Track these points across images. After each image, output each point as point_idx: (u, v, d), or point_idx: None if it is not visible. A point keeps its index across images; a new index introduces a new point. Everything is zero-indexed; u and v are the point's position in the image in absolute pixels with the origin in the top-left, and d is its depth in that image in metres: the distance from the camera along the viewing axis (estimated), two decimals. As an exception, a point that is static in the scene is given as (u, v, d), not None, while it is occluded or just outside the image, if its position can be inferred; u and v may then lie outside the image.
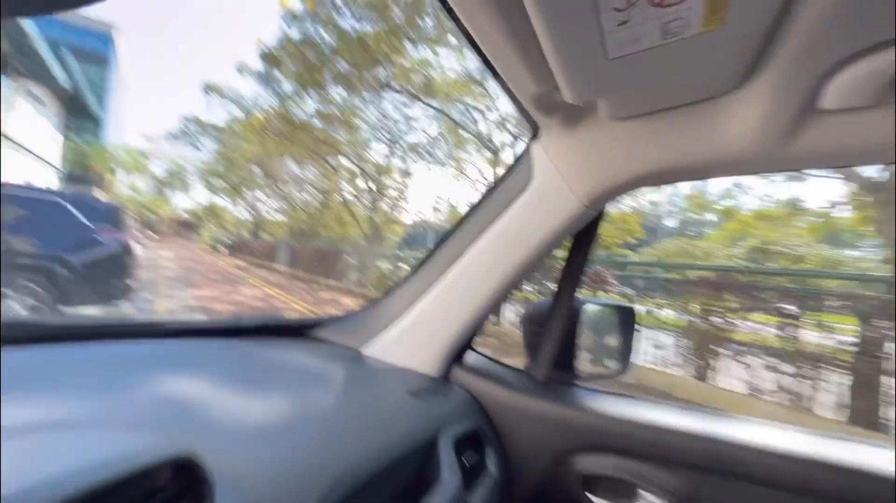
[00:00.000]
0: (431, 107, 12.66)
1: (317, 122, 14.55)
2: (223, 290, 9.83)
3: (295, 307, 8.65)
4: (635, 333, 0.90)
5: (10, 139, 14.73)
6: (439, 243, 0.85)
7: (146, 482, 0.32)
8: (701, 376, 4.85)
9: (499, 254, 0.77)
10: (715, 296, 4.89)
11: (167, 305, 6.79)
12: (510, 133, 11.58)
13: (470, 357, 0.91)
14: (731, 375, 4.62)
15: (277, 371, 0.68)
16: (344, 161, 18.15)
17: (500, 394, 0.80)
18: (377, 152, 17.59)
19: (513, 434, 0.78)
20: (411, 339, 0.85)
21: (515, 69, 0.55)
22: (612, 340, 0.89)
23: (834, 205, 8.37)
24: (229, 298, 8.69)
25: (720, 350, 4.77)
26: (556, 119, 0.64)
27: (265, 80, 11.46)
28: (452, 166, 16.05)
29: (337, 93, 12.89)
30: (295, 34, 9.33)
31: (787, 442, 0.63)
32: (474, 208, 0.82)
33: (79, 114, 24.60)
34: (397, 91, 11.59)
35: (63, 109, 21.67)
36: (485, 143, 11.81)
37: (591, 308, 0.86)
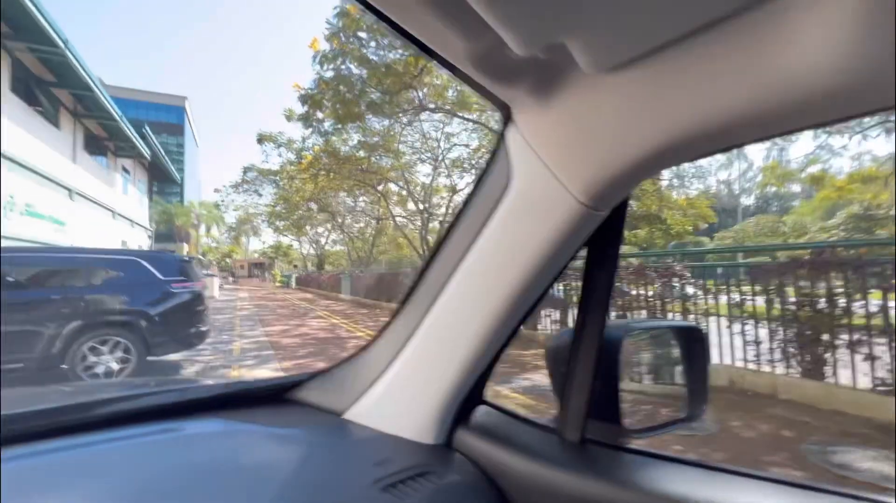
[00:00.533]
0: (467, 119, 12.65)
1: (361, 153, 15.11)
2: (291, 324, 10.32)
3: (358, 334, 8.83)
4: (707, 362, 0.67)
5: (107, 207, 16.91)
6: (420, 275, 0.69)
7: None
8: (811, 373, 4.13)
9: (489, 280, 0.60)
10: (813, 276, 4.19)
11: (241, 345, 7.21)
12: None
13: (481, 413, 0.72)
14: (850, 368, 3.88)
15: (225, 470, 0.55)
16: (392, 186, 18.67)
17: (517, 464, 0.60)
18: (422, 173, 17.86)
19: None
20: (398, 398, 0.69)
21: (440, 31, 0.39)
22: (674, 375, 0.67)
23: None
24: (297, 331, 9.08)
25: (831, 339, 4.05)
26: (523, 88, 0.47)
27: (308, 121, 12.11)
28: (497, 175, 15.87)
29: (376, 121, 13.32)
30: (328, 73, 9.77)
31: None
32: (454, 225, 0.64)
33: (160, 178, 27.77)
34: (432, 110, 11.71)
35: (147, 176, 24.59)
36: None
37: (637, 334, 0.65)
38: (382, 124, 13.76)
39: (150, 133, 21.08)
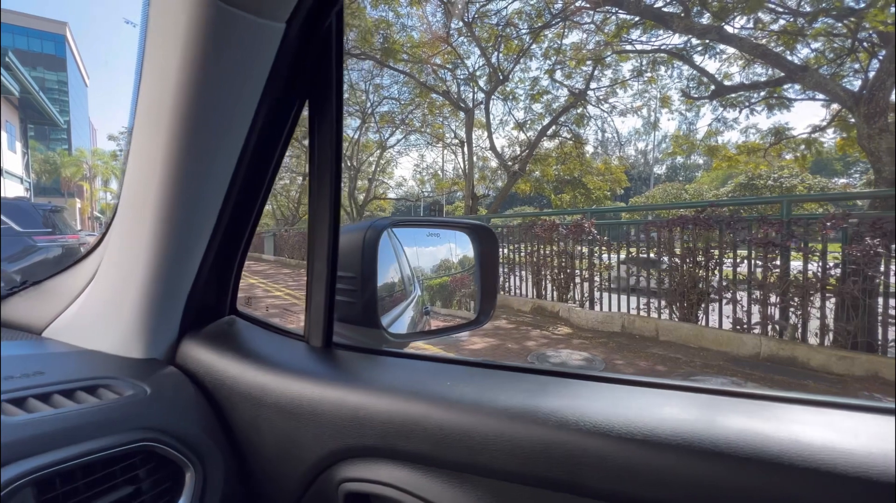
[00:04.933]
0: (398, 70, 12.05)
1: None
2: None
3: (276, 293, 8.44)
4: (498, 263, 0.65)
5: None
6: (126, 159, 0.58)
7: None
8: (687, 317, 4.69)
9: (156, 141, 0.48)
10: (694, 233, 4.66)
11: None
12: (480, 89, 11.06)
13: (222, 325, 0.65)
14: (717, 313, 4.46)
15: None
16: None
17: (245, 373, 0.55)
18: (350, 128, 16.95)
19: (257, 437, 0.53)
20: (100, 310, 0.60)
21: None
22: (428, 278, 0.64)
23: (817, 128, 8.04)
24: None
25: (704, 287, 4.59)
26: None
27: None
28: (428, 133, 15.53)
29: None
30: None
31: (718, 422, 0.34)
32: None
33: (37, 121, 23.56)
34: (359, 56, 10.96)
35: (19, 117, 20.69)
36: (455, 102, 11.29)
37: (404, 231, 0.61)
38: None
39: (18, 63, 17.55)
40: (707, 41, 6.72)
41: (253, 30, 0.44)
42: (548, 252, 6.31)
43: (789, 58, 6.54)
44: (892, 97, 4.47)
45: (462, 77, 11.39)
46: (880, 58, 5.23)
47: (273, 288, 9.32)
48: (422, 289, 1.00)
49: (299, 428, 0.49)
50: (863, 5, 5.73)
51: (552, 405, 0.40)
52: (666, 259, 4.91)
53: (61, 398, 0.47)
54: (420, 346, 4.36)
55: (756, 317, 4.19)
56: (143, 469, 0.46)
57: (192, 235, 0.54)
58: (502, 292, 7.10)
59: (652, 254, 5.12)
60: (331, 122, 0.51)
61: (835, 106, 7.39)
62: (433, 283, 1.06)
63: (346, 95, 15.44)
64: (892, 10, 5.11)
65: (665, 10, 6.48)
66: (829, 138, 8.97)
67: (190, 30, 0.42)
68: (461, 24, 9.89)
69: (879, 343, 3.55)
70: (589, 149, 14.66)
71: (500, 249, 7.29)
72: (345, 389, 0.48)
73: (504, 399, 0.42)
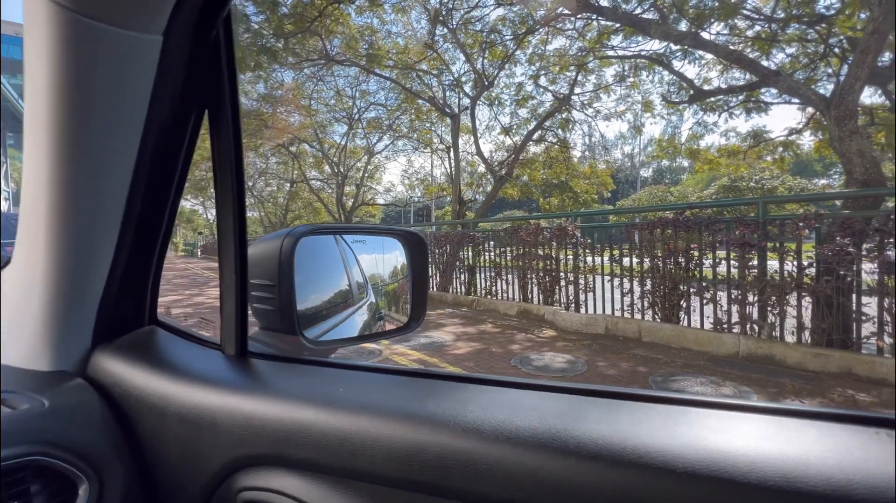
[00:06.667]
0: (383, 77, 12.07)
1: (266, 108, 13.82)
2: (186, 294, 9.46)
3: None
4: (427, 268, 0.66)
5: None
6: None
7: None
8: (668, 317, 4.74)
9: (43, 150, 0.48)
10: (674, 234, 4.73)
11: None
12: (466, 94, 11.13)
13: (140, 335, 0.64)
14: (698, 313, 4.52)
15: None
16: (305, 147, 17.48)
17: (153, 386, 0.54)
18: (337, 134, 16.94)
19: (162, 447, 0.53)
20: (9, 322, 0.59)
21: None
22: (385, 284, 0.64)
23: (793, 132, 8.24)
24: (191, 301, 8.35)
25: (684, 289, 4.66)
26: None
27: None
28: (416, 138, 15.56)
29: (280, 74, 12.19)
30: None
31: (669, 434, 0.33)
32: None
33: (18, 129, 23.09)
34: (343, 63, 10.96)
35: (-3, 125, 20.27)
36: (441, 108, 11.33)
37: (320, 239, 0.61)
38: (288, 75, 12.65)
39: (-4, 70, 17.21)
40: (685, 47, 6.86)
41: (125, 43, 0.44)
42: (533, 255, 6.35)
43: (765, 63, 6.70)
44: (888, 101, 4.59)
45: (448, 83, 11.45)
46: (850, 62, 5.39)
47: (259, 295, 9.24)
48: (377, 295, 1.00)
49: (201, 437, 0.49)
50: (833, 12, 5.91)
51: (430, 408, 0.40)
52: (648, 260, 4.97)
53: None
54: (405, 352, 4.34)
55: (735, 317, 4.26)
56: (35, 484, 0.45)
57: (94, 247, 0.54)
58: (490, 296, 7.12)
59: (635, 257, 5.18)
60: (228, 132, 0.51)
61: (810, 109, 7.59)
62: (389, 289, 1.07)
63: (332, 101, 15.46)
64: (863, 15, 5.27)
65: (643, 16, 6.61)
66: (807, 140, 9.20)
67: (56, 45, 0.42)
68: (446, 30, 9.96)
69: (854, 340, 3.63)
70: (576, 153, 14.82)
71: (490, 253, 7.32)
72: (242, 397, 0.48)
73: (386, 403, 0.42)
